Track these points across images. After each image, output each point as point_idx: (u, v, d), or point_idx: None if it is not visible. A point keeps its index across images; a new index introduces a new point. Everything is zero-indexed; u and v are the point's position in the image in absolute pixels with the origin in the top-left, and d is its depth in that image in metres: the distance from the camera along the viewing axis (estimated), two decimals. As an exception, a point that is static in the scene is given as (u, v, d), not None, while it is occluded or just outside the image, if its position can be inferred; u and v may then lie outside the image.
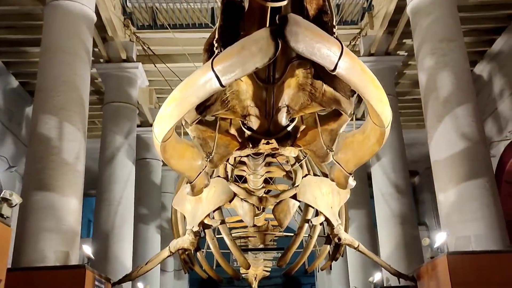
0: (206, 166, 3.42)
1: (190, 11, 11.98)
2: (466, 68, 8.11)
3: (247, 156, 5.06)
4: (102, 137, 11.65)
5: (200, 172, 3.42)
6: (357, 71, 2.26)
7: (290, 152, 3.93)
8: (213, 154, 3.45)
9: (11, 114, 13.68)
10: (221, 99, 2.97)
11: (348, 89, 2.93)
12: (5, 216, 4.35)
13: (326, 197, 5.95)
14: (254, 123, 3.10)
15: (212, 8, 11.91)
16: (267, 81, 2.68)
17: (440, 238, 6.94)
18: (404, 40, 11.96)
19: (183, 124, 3.25)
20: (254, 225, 6.75)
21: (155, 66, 11.86)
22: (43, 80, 7.87)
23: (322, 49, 2.08)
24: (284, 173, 6.95)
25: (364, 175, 13.94)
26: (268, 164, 6.20)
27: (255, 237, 7.95)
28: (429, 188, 18.13)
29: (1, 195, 4.23)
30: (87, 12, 8.47)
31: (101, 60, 12.23)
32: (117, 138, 11.30)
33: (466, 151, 7.49)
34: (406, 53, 12.29)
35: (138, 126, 14.34)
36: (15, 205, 4.38)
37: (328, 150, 3.34)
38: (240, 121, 3.23)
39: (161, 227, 15.14)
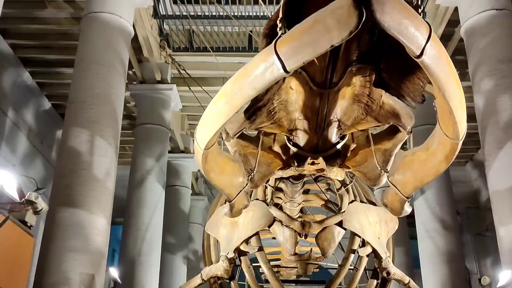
0: (247, 184, 3.18)
1: (227, 34, 11.75)
2: (528, 91, 7.49)
3: (287, 178, 4.82)
4: (132, 159, 11.28)
5: (241, 191, 3.18)
6: (443, 61, 1.94)
7: (336, 174, 3.65)
8: (254, 172, 3.22)
9: (42, 136, 13.51)
10: (268, 110, 2.78)
11: (419, 92, 2.55)
12: (28, 225, 3.85)
13: (373, 227, 5.45)
14: (302, 138, 2.92)
15: (250, 32, 11.62)
16: (323, 85, 2.45)
17: (504, 277, 6.20)
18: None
19: (224, 138, 3.03)
20: (295, 254, 6.15)
21: (190, 89, 11.63)
22: (76, 92, 7.54)
23: (410, 27, 1.78)
24: (323, 202, 6.62)
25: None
26: (306, 192, 5.98)
27: (294, 267, 7.39)
28: (469, 229, 17.21)
29: (26, 197, 3.75)
30: (125, 25, 8.20)
31: (135, 82, 12.00)
32: (147, 161, 10.89)
33: (530, 181, 6.80)
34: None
35: (169, 152, 14.05)
36: (40, 210, 3.90)
37: (382, 171, 3.07)
38: (285, 137, 3.04)
39: (188, 258, 14.53)
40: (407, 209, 3.08)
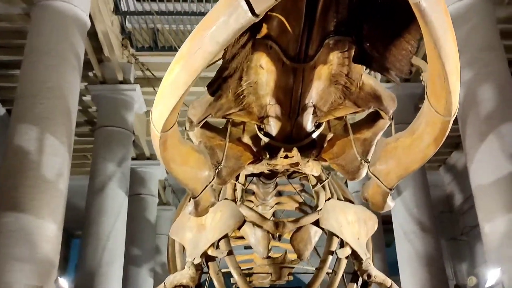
0: (213, 179, 2.84)
1: (194, 33, 11.16)
2: (509, 81, 7.16)
3: (258, 175, 4.53)
4: (92, 164, 10.55)
5: (207, 186, 2.82)
6: (441, 7, 1.68)
7: (312, 169, 3.40)
8: (221, 167, 2.94)
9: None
10: (236, 93, 2.55)
11: (407, 60, 2.20)
12: None
13: (352, 226, 5.05)
14: (274, 126, 2.69)
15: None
16: (297, 58, 2.21)
17: (493, 276, 5.76)
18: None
19: (187, 128, 2.79)
20: (269, 257, 5.62)
21: (155, 90, 11.00)
22: (25, 86, 6.86)
23: None
24: (297, 204, 6.19)
25: (377, 216, 12.75)
26: (279, 194, 5.67)
27: (267, 273, 6.86)
28: (443, 234, 16.98)
29: None
30: (80, 15, 7.57)
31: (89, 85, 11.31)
32: (109, 166, 10.18)
33: (514, 173, 6.44)
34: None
35: (133, 159, 13.38)
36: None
37: (362, 162, 2.88)
38: (255, 126, 2.81)
39: (154, 271, 13.77)
40: (390, 203, 2.82)
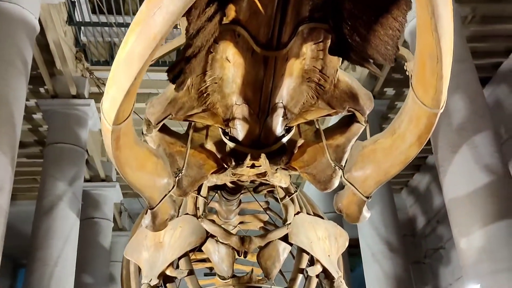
0: (173, 187, 2.55)
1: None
2: (479, 91, 7.02)
3: (221, 188, 4.28)
4: (40, 184, 9.76)
5: (166, 195, 2.54)
6: None
7: (280, 180, 3.18)
8: (182, 175, 2.68)
9: None
10: (199, 90, 2.35)
11: (393, 42, 1.95)
12: None
13: (322, 242, 4.77)
14: (240, 129, 2.49)
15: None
16: (268, 45, 2.04)
17: (472, 292, 5.43)
18: (388, 84, 11.10)
19: (144, 131, 2.53)
20: (234, 276, 5.14)
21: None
22: (-37, 91, 6.18)
23: None
24: (262, 224, 5.81)
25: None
26: (241, 213, 5.21)
27: None
28: (407, 257, 16.86)
29: None
30: (28, 18, 6.99)
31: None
32: (59, 185, 9.42)
33: (491, 185, 6.20)
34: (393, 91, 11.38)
35: (87, 180, 12.62)
36: None
37: (335, 170, 2.70)
38: (220, 130, 2.62)
39: (109, 302, 12.90)
40: (366, 214, 2.63)
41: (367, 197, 2.49)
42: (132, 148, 2.22)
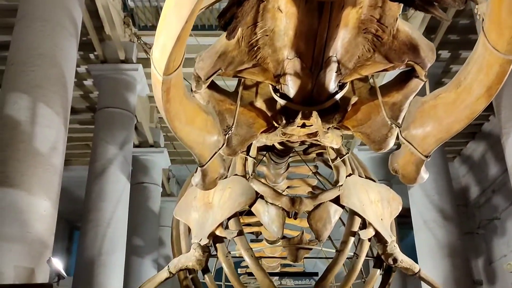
0: (223, 145, 2.51)
1: (200, 12, 10.54)
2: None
3: (270, 150, 4.26)
4: (92, 148, 9.96)
5: (216, 152, 2.50)
6: None
7: (331, 141, 3.11)
8: (231, 132, 2.60)
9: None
10: (249, 43, 2.26)
11: None
12: None
13: (375, 206, 4.49)
14: (292, 85, 2.39)
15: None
16: None
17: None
18: (444, 46, 10.58)
19: (193, 88, 2.46)
20: (284, 237, 5.06)
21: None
22: (16, 52, 6.25)
23: None
24: (310, 189, 5.69)
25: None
26: (289, 177, 5.28)
27: (283, 257, 6.28)
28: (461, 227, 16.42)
29: None
30: (77, -20, 6.97)
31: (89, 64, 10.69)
32: (110, 149, 9.57)
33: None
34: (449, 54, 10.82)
35: (136, 146, 12.80)
36: None
37: (391, 130, 2.62)
38: (270, 87, 2.56)
39: (158, 264, 13.18)
40: (424, 175, 2.54)
41: (426, 156, 2.36)
42: (182, 101, 2.15)
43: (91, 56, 11.02)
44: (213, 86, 2.72)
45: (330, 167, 5.43)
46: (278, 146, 4.08)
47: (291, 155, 4.60)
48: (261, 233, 6.50)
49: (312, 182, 5.98)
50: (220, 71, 2.34)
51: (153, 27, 10.76)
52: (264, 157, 4.47)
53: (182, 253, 4.91)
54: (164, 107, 2.03)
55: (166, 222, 15.12)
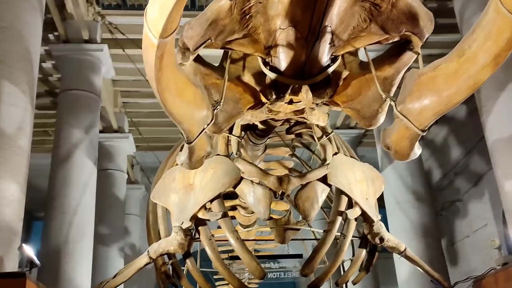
0: (212, 120, 2.39)
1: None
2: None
3: (253, 130, 4.08)
4: (56, 132, 9.44)
5: (204, 128, 2.39)
6: None
7: (318, 118, 3.09)
8: (220, 105, 2.47)
9: None
10: (242, 10, 2.17)
11: None
12: None
13: (360, 185, 4.44)
14: (284, 57, 2.29)
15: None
16: None
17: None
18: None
19: (179, 59, 2.24)
20: (270, 218, 4.98)
21: (125, 52, 10.00)
22: (-27, 26, 5.77)
23: None
24: (286, 171, 5.62)
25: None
26: (266, 159, 5.24)
27: (270, 240, 6.16)
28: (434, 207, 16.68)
29: None
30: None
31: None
32: (74, 132, 9.09)
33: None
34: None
35: (100, 131, 12.32)
36: None
37: (380, 107, 2.58)
38: (260, 60, 2.45)
39: (124, 253, 12.80)
40: (417, 151, 2.51)
41: (423, 130, 2.31)
42: (173, 71, 2.03)
43: (51, 36, 10.44)
44: (198, 59, 2.58)
45: (308, 148, 5.34)
46: (260, 126, 3.93)
47: (270, 135, 4.47)
48: (235, 218, 6.34)
49: (288, 164, 5.88)
50: (209, 41, 2.21)
51: (118, 6, 10.29)
52: (242, 139, 4.31)
53: (161, 237, 4.73)
54: (156, 76, 1.90)
55: (131, 210, 14.78)
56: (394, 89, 2.55)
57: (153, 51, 1.80)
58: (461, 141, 13.52)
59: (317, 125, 4.03)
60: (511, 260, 5.38)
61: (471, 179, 13.61)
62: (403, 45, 2.48)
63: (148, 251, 4.53)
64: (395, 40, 2.42)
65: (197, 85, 2.32)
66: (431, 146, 16.50)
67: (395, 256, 9.41)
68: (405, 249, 5.11)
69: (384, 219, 10.18)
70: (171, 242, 4.17)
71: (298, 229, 5.69)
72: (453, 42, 2.39)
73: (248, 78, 2.67)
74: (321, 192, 4.10)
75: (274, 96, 2.57)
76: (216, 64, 2.77)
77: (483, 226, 12.98)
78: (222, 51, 2.60)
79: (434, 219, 9.49)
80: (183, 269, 4.85)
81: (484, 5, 5.19)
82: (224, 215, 4.12)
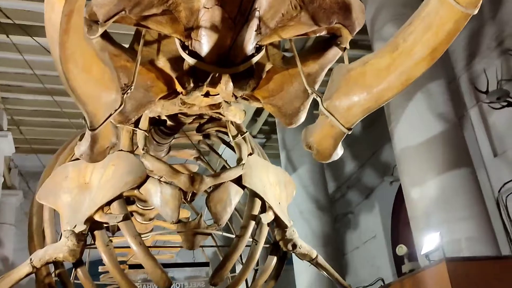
0: (121, 105, 2.09)
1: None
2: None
3: (159, 124, 3.75)
4: None
5: (111, 114, 2.09)
6: None
7: (234, 115, 3.02)
8: (130, 90, 2.19)
9: None
10: None
11: None
12: None
13: (273, 188, 4.28)
14: (207, 40, 2.09)
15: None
16: None
17: (431, 241, 5.18)
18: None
19: (86, 30, 1.96)
20: (179, 221, 4.57)
21: (8, 38, 8.92)
22: None
23: None
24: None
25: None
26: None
27: (177, 247, 5.67)
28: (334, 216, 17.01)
29: None
30: None
31: None
32: None
33: (445, 134, 6.04)
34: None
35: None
36: None
37: (304, 101, 2.52)
38: (178, 42, 2.23)
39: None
40: (339, 151, 2.43)
41: (349, 129, 2.19)
42: (81, 38, 1.73)
43: None
44: (105, 36, 2.29)
45: (215, 151, 5.05)
46: (168, 122, 3.58)
47: (176, 136, 4.14)
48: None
49: (192, 168, 5.55)
50: (123, 12, 1.96)
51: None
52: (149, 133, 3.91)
53: (47, 243, 4.07)
54: (60, 40, 1.59)
55: (5, 219, 13.39)
56: (317, 86, 2.46)
57: (60, 5, 1.48)
58: (355, 155, 14.00)
59: (232, 123, 3.84)
60: (418, 267, 5.41)
61: (362, 192, 14.11)
62: (329, 40, 2.41)
63: (31, 259, 3.97)
64: (322, 33, 2.32)
65: (106, 63, 1.98)
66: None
67: (296, 266, 9.36)
68: (316, 256, 5.02)
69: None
70: (60, 249, 3.64)
71: (209, 234, 5.35)
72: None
73: (162, 63, 2.42)
74: (235, 195, 3.85)
75: (192, 85, 2.35)
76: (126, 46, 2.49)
77: (372, 237, 13.46)
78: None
79: (333, 228, 9.57)
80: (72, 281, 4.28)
81: (395, 14, 5.20)
82: (126, 217, 3.66)
